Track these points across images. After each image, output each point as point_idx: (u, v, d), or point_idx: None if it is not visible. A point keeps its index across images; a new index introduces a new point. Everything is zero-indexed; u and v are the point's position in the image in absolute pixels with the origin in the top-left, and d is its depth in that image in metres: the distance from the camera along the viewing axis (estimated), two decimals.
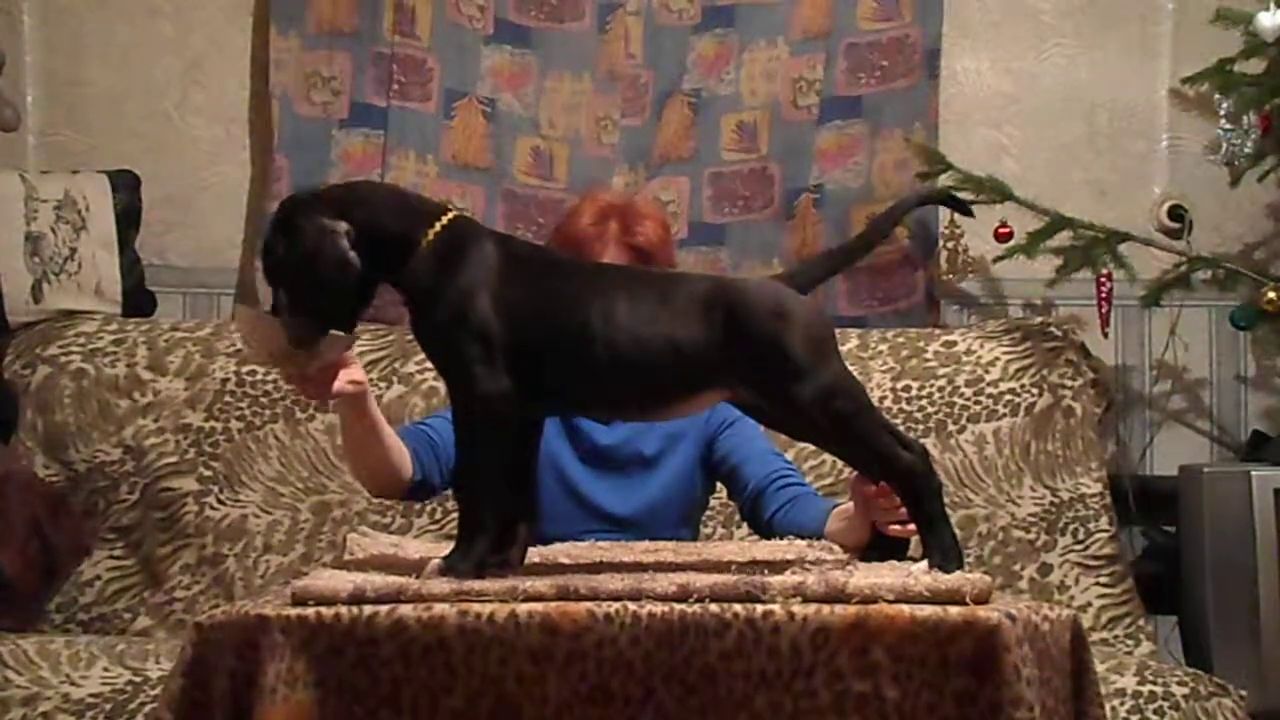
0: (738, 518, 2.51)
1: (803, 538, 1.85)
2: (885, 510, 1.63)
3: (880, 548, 1.62)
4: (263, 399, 2.69)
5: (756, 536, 2.11)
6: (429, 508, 2.59)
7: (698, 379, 1.45)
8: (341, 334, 1.55)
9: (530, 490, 1.52)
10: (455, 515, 2.56)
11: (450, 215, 1.49)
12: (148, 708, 2.09)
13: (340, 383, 1.71)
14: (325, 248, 1.43)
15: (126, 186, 2.99)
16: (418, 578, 1.36)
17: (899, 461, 1.43)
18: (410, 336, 2.72)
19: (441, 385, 2.67)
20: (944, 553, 1.41)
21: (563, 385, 1.45)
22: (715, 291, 1.45)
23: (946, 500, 2.61)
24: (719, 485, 2.22)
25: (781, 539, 1.91)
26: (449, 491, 2.19)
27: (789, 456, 2.33)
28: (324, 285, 1.44)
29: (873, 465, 1.50)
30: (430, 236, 1.46)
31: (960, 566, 1.40)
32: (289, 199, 1.52)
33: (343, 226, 1.44)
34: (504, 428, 1.43)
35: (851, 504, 1.79)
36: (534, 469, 1.53)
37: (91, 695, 2.13)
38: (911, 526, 1.57)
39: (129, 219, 2.98)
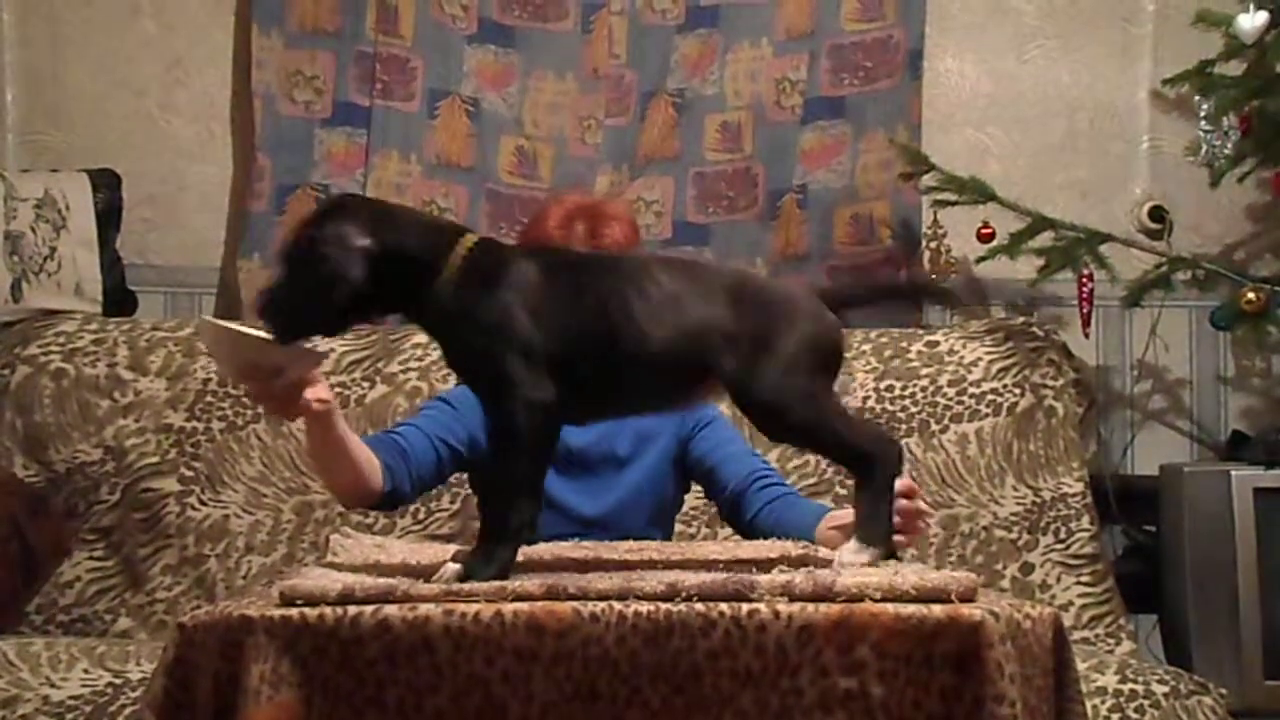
0: (720, 517, 2.52)
1: (788, 539, 1.85)
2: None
3: None
4: (244, 399, 2.67)
5: (739, 537, 2.10)
6: (413, 508, 2.59)
7: (704, 362, 1.45)
8: (309, 350, 1.53)
9: (540, 500, 1.51)
10: (438, 516, 2.57)
11: (475, 237, 1.47)
12: (128, 710, 2.08)
13: (306, 400, 1.69)
14: (337, 257, 1.41)
15: (107, 185, 2.97)
16: (428, 582, 1.34)
17: (851, 447, 1.46)
18: (395, 336, 2.74)
19: (424, 385, 2.66)
20: (874, 531, 1.44)
21: (600, 386, 1.45)
22: (742, 278, 1.49)
23: (929, 500, 2.64)
24: (694, 485, 2.21)
25: (764, 539, 1.91)
26: (427, 493, 2.19)
27: (773, 457, 2.34)
28: (319, 289, 1.42)
29: (826, 453, 1.53)
30: (455, 260, 1.44)
31: (881, 547, 1.43)
32: (341, 197, 1.50)
33: (364, 243, 1.42)
34: (548, 438, 1.43)
35: (845, 512, 1.79)
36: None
37: (71, 697, 2.12)
38: (903, 538, 1.60)
39: (110, 218, 2.97)
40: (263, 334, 1.56)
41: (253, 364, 1.55)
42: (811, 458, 2.60)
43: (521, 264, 1.45)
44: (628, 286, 1.44)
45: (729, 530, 2.45)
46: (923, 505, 1.77)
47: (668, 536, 2.21)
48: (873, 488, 1.45)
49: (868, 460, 1.45)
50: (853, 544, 1.43)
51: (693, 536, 2.51)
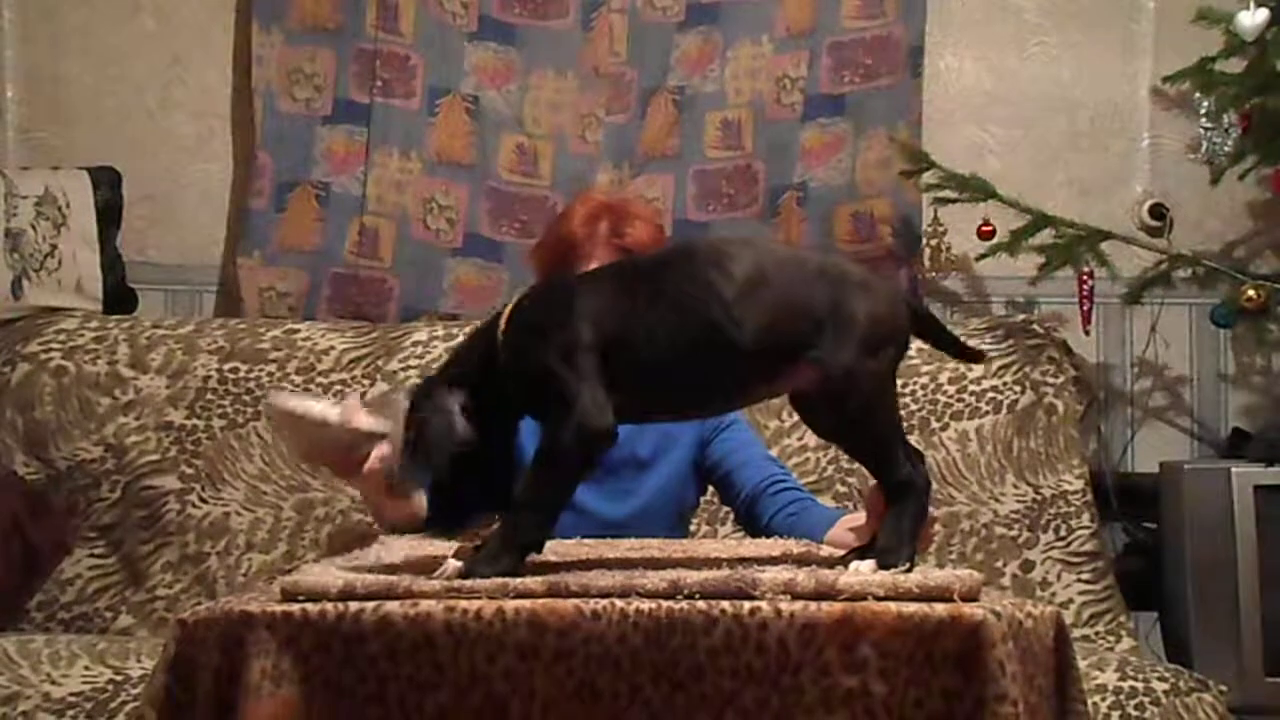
0: (722, 515, 2.52)
1: None
2: None
3: None
4: (245, 396, 2.68)
5: (744, 535, 2.10)
6: None
7: (806, 340, 1.40)
8: (372, 430, 1.52)
9: (557, 520, 1.50)
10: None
11: (509, 305, 1.44)
12: (129, 706, 2.08)
13: (371, 461, 1.68)
14: (440, 428, 1.40)
15: (107, 183, 2.98)
16: (430, 578, 1.34)
17: (898, 471, 1.42)
18: (395, 334, 2.74)
19: None
20: (896, 556, 1.40)
21: (699, 380, 1.41)
22: (825, 260, 1.44)
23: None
24: (709, 488, 2.21)
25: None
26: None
27: (773, 454, 2.34)
28: (440, 456, 1.40)
29: (872, 465, 1.49)
30: (505, 318, 1.41)
31: (897, 565, 1.39)
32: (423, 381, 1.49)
33: (457, 403, 1.40)
34: (591, 466, 1.40)
35: (859, 514, 1.79)
36: None
37: (72, 694, 2.12)
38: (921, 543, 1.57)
39: (110, 215, 2.97)
40: (328, 414, 1.55)
41: (324, 448, 1.54)
42: (812, 455, 2.60)
43: (579, 288, 1.42)
44: (711, 273, 1.39)
45: (729, 528, 2.45)
46: (933, 511, 1.76)
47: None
48: (901, 512, 1.42)
49: (904, 487, 1.42)
50: (869, 564, 1.39)
51: (693, 534, 2.51)
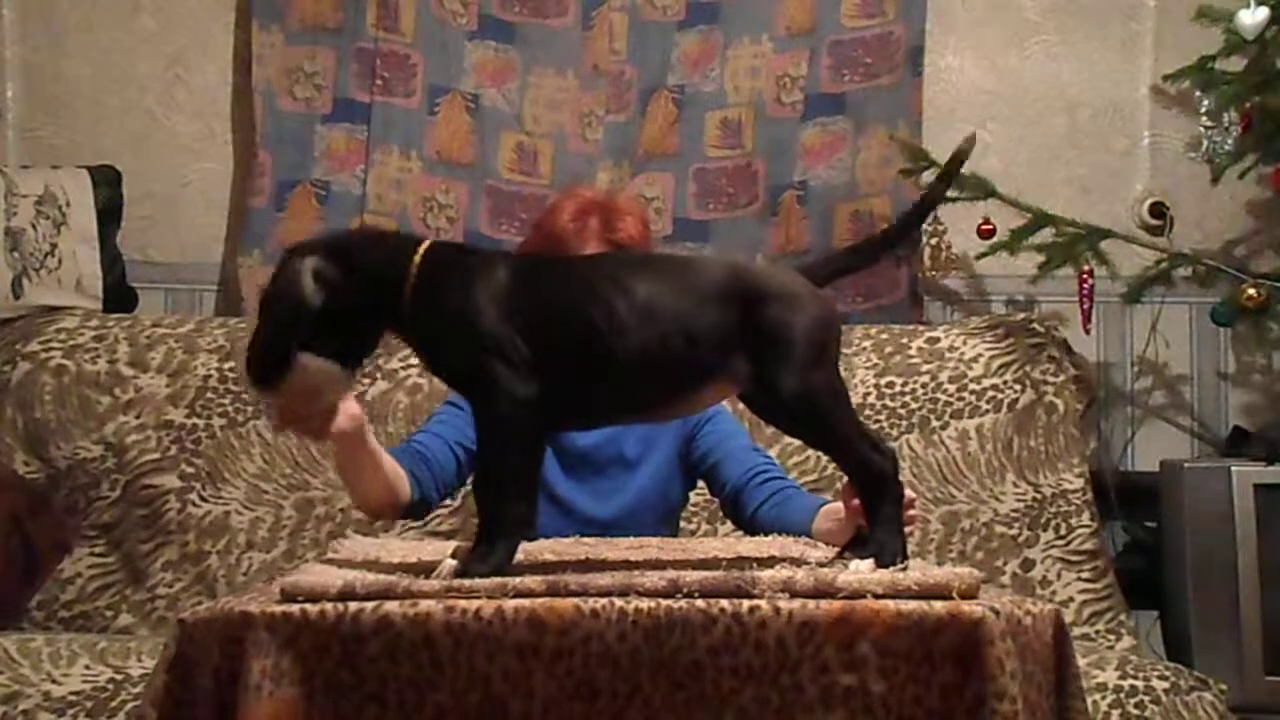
0: (722, 514, 2.52)
1: (788, 534, 1.85)
2: None
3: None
4: (245, 395, 2.67)
5: (740, 533, 2.11)
6: None
7: (711, 366, 1.42)
8: (342, 371, 1.52)
9: (534, 497, 1.51)
10: (438, 513, 2.57)
11: (428, 243, 1.46)
12: (129, 705, 2.08)
13: (340, 420, 1.68)
14: (289, 282, 1.42)
15: (108, 182, 2.98)
16: (427, 579, 1.34)
17: (870, 466, 1.43)
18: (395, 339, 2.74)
19: (425, 382, 2.67)
20: (891, 551, 1.41)
21: (589, 392, 1.43)
22: (732, 276, 1.43)
23: (930, 496, 2.64)
24: (699, 482, 2.22)
25: (765, 535, 1.91)
26: (452, 496, 2.18)
27: (773, 453, 2.34)
28: (280, 316, 1.43)
29: (843, 465, 1.49)
30: (413, 269, 1.43)
31: (895, 564, 1.40)
32: (300, 241, 1.50)
33: (311, 263, 1.42)
34: (534, 433, 1.42)
35: (840, 504, 1.80)
36: (538, 476, 1.51)
37: (73, 693, 2.12)
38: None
39: (110, 214, 2.97)
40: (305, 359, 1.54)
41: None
42: (812, 453, 2.60)
43: (483, 263, 1.44)
44: (605, 289, 1.41)
45: (729, 527, 2.46)
46: (909, 492, 1.76)
47: (674, 536, 2.21)
48: (884, 508, 1.43)
49: (880, 479, 1.43)
50: (868, 563, 1.40)
51: (693, 533, 2.51)
